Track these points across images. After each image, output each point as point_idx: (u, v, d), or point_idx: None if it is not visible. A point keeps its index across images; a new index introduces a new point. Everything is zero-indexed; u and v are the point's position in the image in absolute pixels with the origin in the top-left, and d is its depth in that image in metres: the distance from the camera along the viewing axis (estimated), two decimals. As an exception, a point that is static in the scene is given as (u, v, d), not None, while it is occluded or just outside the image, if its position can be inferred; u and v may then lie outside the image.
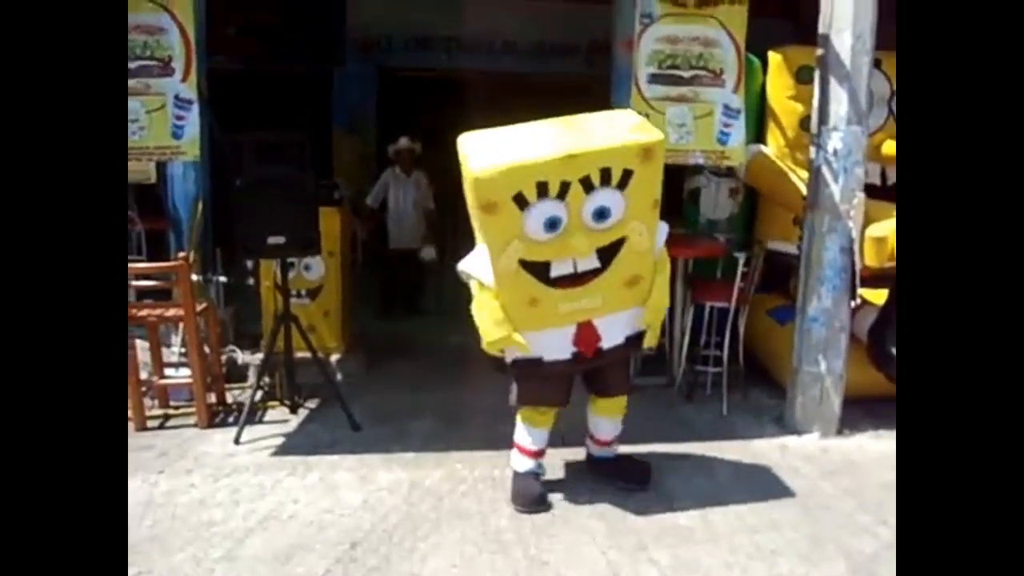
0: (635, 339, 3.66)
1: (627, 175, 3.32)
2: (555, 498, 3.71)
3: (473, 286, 3.54)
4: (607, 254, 3.44)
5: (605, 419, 3.84)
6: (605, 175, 3.30)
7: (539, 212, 3.28)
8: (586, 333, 3.54)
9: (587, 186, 3.29)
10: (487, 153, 3.31)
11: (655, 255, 3.56)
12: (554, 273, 3.42)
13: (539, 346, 3.49)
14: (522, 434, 3.75)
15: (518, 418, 3.76)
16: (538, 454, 3.75)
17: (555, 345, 3.52)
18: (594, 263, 3.44)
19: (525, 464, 3.73)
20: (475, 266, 3.50)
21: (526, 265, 3.37)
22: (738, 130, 5.14)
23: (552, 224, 3.31)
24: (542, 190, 3.25)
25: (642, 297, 3.57)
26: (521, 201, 3.25)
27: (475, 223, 3.49)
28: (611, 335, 3.58)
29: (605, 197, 3.33)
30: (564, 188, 3.27)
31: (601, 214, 3.35)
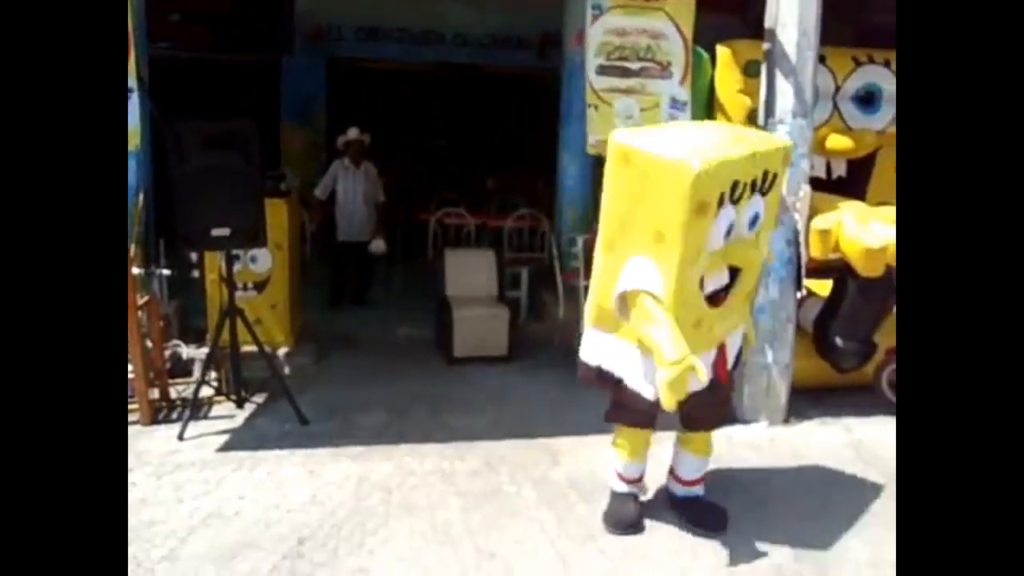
0: (738, 357, 3.42)
1: (774, 179, 3.09)
2: (502, 490, 3.70)
3: (643, 302, 2.94)
4: (733, 267, 3.15)
5: (692, 456, 3.53)
6: (765, 178, 3.03)
7: (724, 217, 2.92)
8: (721, 357, 3.24)
9: (753, 189, 2.99)
10: (680, 147, 2.90)
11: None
12: (707, 289, 3.08)
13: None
14: (617, 461, 3.47)
15: (613, 443, 3.50)
16: (635, 482, 3.52)
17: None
18: (725, 277, 3.14)
19: (621, 486, 3.48)
20: (645, 280, 2.95)
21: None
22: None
23: (728, 231, 2.97)
24: (732, 191, 2.89)
25: (748, 311, 3.40)
26: (720, 203, 2.88)
27: (671, 228, 2.88)
28: (731, 356, 3.32)
29: (757, 203, 3.04)
30: (742, 190, 2.93)
31: (754, 221, 3.06)
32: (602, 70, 5.16)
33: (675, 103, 5.19)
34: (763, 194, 3.06)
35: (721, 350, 3.23)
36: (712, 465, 3.91)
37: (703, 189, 2.80)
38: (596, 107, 5.19)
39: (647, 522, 3.46)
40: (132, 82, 4.35)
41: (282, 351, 5.41)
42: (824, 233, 4.43)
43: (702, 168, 2.76)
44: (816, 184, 4.55)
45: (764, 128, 4.45)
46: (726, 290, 3.15)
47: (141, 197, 5.22)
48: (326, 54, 9.72)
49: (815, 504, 3.69)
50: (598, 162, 3.47)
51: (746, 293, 3.29)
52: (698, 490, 3.57)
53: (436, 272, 6.19)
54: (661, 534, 3.39)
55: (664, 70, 5.16)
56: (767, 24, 4.40)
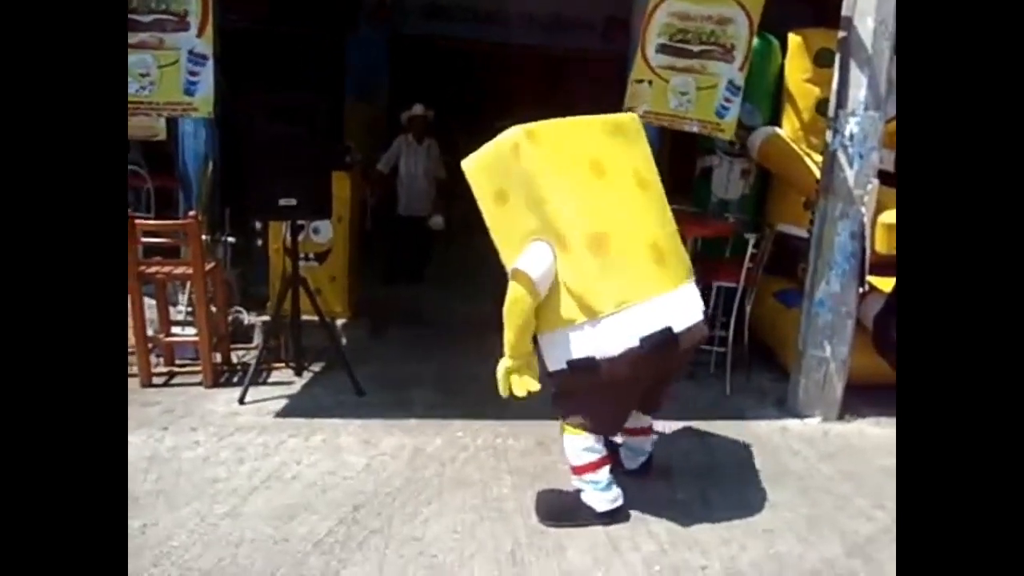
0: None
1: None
2: (554, 468, 3.74)
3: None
4: None
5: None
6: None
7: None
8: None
9: None
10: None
11: None
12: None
13: None
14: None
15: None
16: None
17: None
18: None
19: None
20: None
21: None
22: (735, 106, 5.16)
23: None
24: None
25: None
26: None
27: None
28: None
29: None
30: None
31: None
32: (662, 48, 5.14)
33: (732, 86, 5.14)
34: None
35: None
36: (763, 456, 3.90)
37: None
38: (650, 82, 5.16)
39: (698, 507, 3.47)
40: (207, 49, 4.43)
41: (340, 322, 5.53)
42: (890, 228, 4.36)
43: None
44: (885, 178, 4.45)
45: (835, 120, 4.36)
46: None
47: (210, 166, 5.34)
48: (389, 31, 9.77)
49: (868, 502, 3.65)
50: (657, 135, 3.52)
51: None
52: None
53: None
54: (710, 522, 3.39)
55: (727, 53, 5.11)
56: (844, 11, 4.30)
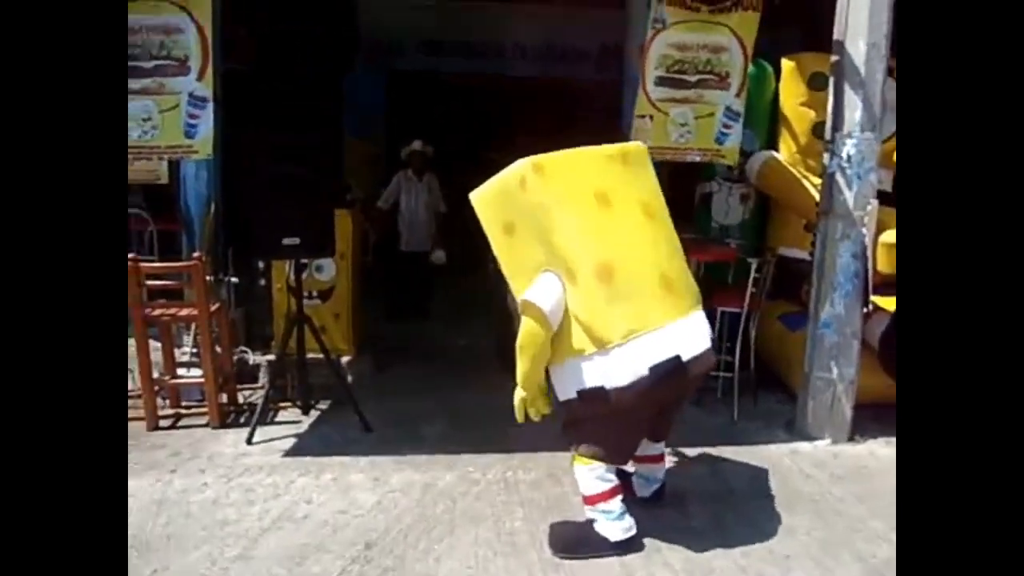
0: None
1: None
2: (566, 500, 3.72)
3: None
4: None
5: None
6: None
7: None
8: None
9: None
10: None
11: None
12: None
13: None
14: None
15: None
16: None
17: None
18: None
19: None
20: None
21: None
22: (736, 132, 5.22)
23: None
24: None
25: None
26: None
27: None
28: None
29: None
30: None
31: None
32: (660, 80, 5.19)
33: (730, 112, 5.21)
34: None
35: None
36: (774, 480, 3.87)
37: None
38: (651, 117, 5.21)
39: (712, 534, 3.45)
40: (207, 92, 4.49)
41: (345, 359, 5.52)
42: (892, 247, 4.37)
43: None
44: (883, 198, 4.48)
45: (832, 143, 4.40)
46: None
47: (212, 207, 5.38)
48: (387, 67, 9.87)
49: (883, 524, 3.61)
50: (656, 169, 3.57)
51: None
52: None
53: (496, 283, 6.22)
54: (726, 548, 3.36)
55: (722, 81, 5.17)
56: (836, 36, 4.36)
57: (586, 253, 3.10)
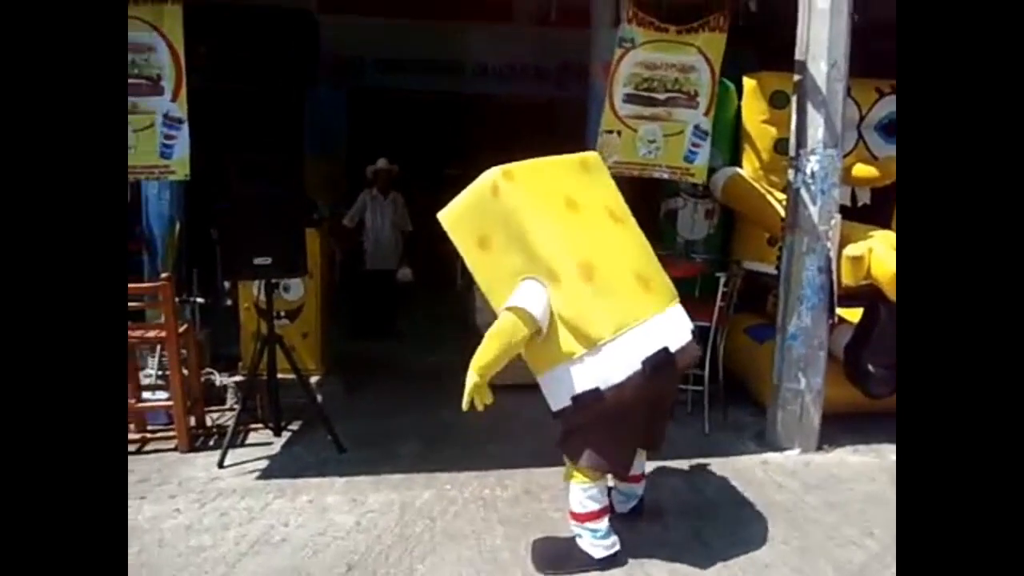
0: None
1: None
2: (545, 516, 3.73)
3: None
4: None
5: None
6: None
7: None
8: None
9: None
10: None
11: None
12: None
13: None
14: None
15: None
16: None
17: None
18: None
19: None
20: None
21: None
22: (704, 150, 5.31)
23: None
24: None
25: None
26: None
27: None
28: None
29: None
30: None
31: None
32: (628, 98, 5.27)
33: (698, 131, 5.31)
34: None
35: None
36: (748, 491, 3.93)
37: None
38: (619, 132, 5.29)
39: (691, 546, 3.48)
40: (182, 113, 4.44)
41: (313, 379, 5.47)
42: (856, 260, 4.48)
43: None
44: (843, 212, 4.60)
45: (796, 159, 4.51)
46: None
47: (177, 227, 5.29)
48: (348, 85, 9.84)
49: (856, 530, 3.69)
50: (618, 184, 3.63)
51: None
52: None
53: (466, 302, 6.23)
54: (705, 559, 3.39)
55: (691, 100, 5.28)
56: (797, 56, 4.48)
57: (566, 252, 3.12)
